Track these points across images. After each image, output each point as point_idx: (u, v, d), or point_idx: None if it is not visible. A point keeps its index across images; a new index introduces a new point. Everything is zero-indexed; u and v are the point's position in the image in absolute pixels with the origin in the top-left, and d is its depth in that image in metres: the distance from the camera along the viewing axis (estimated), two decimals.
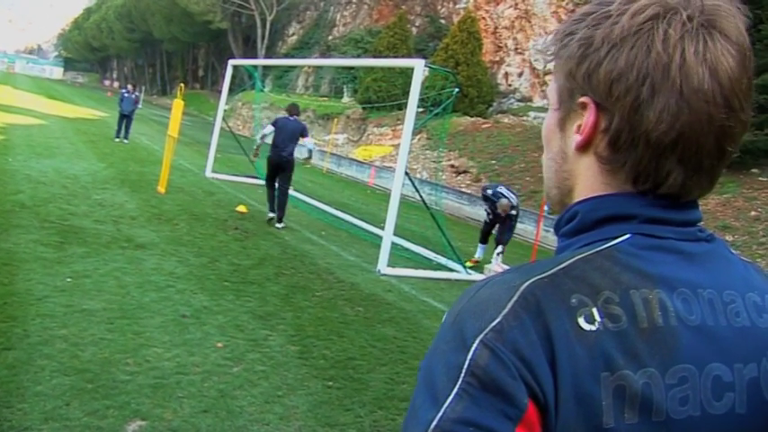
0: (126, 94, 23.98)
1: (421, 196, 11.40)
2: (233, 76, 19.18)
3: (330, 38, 48.00)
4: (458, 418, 0.73)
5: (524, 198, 19.52)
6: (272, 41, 54.49)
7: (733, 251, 0.96)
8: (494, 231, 12.41)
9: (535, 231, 15.25)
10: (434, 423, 0.74)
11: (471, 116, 27.96)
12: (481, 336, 0.76)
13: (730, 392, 0.85)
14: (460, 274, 10.78)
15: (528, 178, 20.85)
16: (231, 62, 19.00)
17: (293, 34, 54.75)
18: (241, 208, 13.22)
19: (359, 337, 6.69)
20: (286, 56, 48.31)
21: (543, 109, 30.01)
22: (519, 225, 17.52)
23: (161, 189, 13.51)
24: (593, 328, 0.78)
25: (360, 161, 27.70)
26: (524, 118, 29.40)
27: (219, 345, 5.78)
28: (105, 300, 6.43)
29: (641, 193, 0.88)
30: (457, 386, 0.75)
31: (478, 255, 12.45)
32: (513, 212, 11.88)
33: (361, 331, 6.89)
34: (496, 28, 34.56)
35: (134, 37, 79.34)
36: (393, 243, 10.44)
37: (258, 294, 7.55)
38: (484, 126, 26.77)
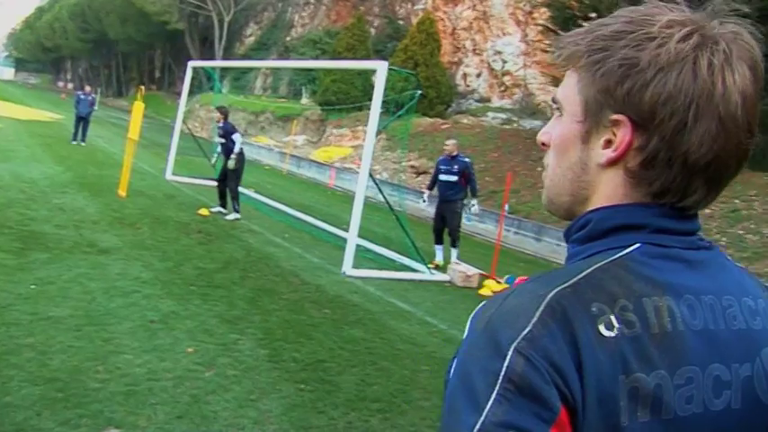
0: (82, 97, 23.67)
1: (385, 198, 11.45)
2: (192, 78, 19.02)
3: (288, 39, 47.80)
4: (499, 422, 0.78)
5: (484, 198, 19.62)
6: (229, 42, 54.07)
7: (728, 258, 1.03)
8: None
9: (496, 231, 15.37)
10: (478, 426, 0.78)
11: (431, 117, 28.04)
12: (515, 344, 0.82)
13: (728, 390, 0.92)
14: (424, 274, 10.83)
15: (487, 178, 20.97)
16: (191, 64, 18.87)
17: (251, 35, 54.41)
18: (203, 211, 13.15)
19: (327, 339, 6.72)
20: (244, 57, 47.98)
21: (502, 109, 30.29)
22: (480, 225, 17.72)
23: (121, 193, 13.37)
24: (613, 334, 0.84)
25: (320, 162, 27.64)
26: (483, 118, 29.59)
27: (190, 350, 5.76)
28: (71, 306, 6.37)
29: (653, 204, 0.94)
30: (495, 392, 0.80)
31: (438, 258, 12.21)
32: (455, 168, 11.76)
33: (330, 333, 6.92)
34: (455, 29, 34.72)
35: (88, 37, 77.97)
36: (357, 245, 10.47)
37: (225, 298, 7.53)
38: (443, 127, 26.88)
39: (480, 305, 0.91)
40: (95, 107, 24.81)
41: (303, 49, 41.11)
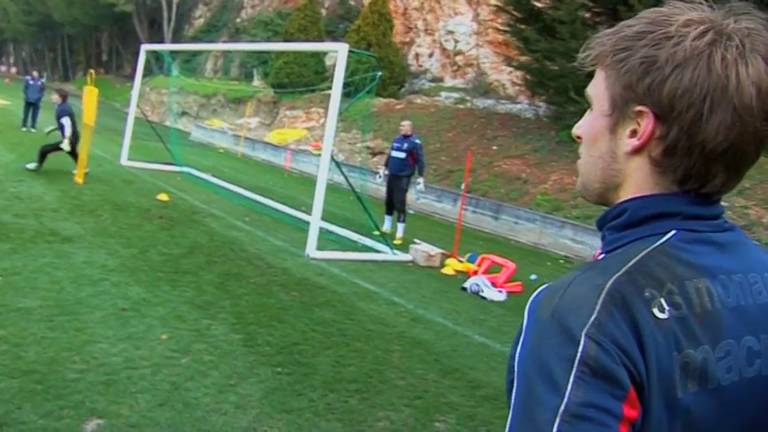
0: (31, 82, 23.18)
1: (347, 180, 11.48)
2: (145, 61, 18.77)
3: (238, 20, 47.20)
4: (581, 402, 0.86)
5: (441, 178, 19.77)
6: (178, 24, 53.24)
7: (748, 237, 1.14)
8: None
9: (454, 210, 15.51)
10: (563, 408, 0.86)
11: (384, 98, 28.03)
12: (585, 330, 0.90)
13: (758, 359, 1.03)
14: (387, 255, 10.91)
15: (443, 158, 21.09)
16: (144, 47, 18.60)
17: (200, 17, 53.61)
18: (162, 196, 13.02)
19: (299, 321, 6.76)
20: (193, 39, 47.22)
21: (455, 89, 30.37)
22: (437, 204, 17.85)
23: (78, 179, 13.19)
24: (665, 316, 0.94)
25: (275, 145, 27.50)
26: (436, 98, 29.67)
27: (164, 337, 5.76)
28: (40, 297, 6.31)
29: (683, 192, 1.03)
30: (573, 375, 0.88)
31: (386, 226, 13.15)
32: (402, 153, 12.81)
33: (301, 316, 6.96)
34: (406, 9, 34.67)
35: (32, 20, 75.94)
36: (319, 227, 10.49)
37: (194, 284, 7.53)
38: (397, 107, 26.92)
39: (538, 295, 0.98)
40: (45, 92, 24.29)
41: (254, 30, 40.68)
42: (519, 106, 25.97)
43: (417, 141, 13.14)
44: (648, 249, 1.00)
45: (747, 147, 1.00)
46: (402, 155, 12.83)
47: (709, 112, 0.96)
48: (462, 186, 12.92)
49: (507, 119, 23.64)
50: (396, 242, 12.25)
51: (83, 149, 13.33)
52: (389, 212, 13.46)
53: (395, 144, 13.14)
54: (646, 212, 1.04)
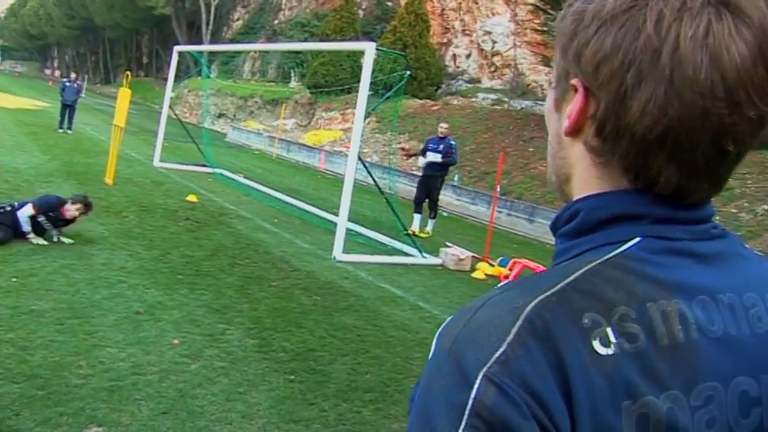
0: (68, 84, 23.37)
1: (375, 181, 11.28)
2: (178, 63, 18.80)
3: (276, 22, 47.44)
4: None
5: (476, 179, 19.55)
6: (217, 27, 53.68)
7: (746, 246, 0.86)
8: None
9: (488, 213, 15.26)
10: None
11: (420, 98, 27.88)
12: (485, 369, 0.66)
13: (758, 407, 0.77)
14: (416, 258, 10.70)
15: (479, 159, 20.85)
16: (176, 49, 18.61)
17: (238, 19, 54.01)
18: (191, 197, 12.96)
19: (318, 327, 6.58)
20: (232, 41, 47.53)
21: (492, 90, 30.15)
22: (471, 206, 17.62)
23: (108, 180, 13.19)
24: (610, 351, 0.69)
25: (309, 146, 27.45)
26: (473, 99, 29.45)
27: (176, 341, 5.61)
28: (54, 299, 6.21)
29: (644, 190, 0.77)
30: (460, 430, 0.65)
31: (415, 225, 13.36)
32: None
33: (320, 321, 6.78)
34: (443, 9, 34.50)
35: (74, 24, 77.35)
36: (347, 229, 10.32)
37: (213, 287, 7.38)
38: (433, 108, 26.72)
39: (447, 320, 0.75)
40: (82, 94, 24.54)
41: (291, 32, 40.81)
42: None
43: (452, 142, 13.53)
44: (597, 261, 0.75)
45: (696, 135, 0.72)
46: (438, 157, 13.13)
47: (635, 84, 0.72)
48: (498, 189, 12.69)
49: (545, 120, 23.30)
50: (422, 235, 12.77)
51: (113, 150, 13.31)
52: (418, 211, 13.59)
53: (430, 145, 13.37)
54: (603, 214, 0.79)
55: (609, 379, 0.68)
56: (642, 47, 0.71)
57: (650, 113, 0.72)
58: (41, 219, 7.97)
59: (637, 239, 0.77)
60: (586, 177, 0.81)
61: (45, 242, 7.82)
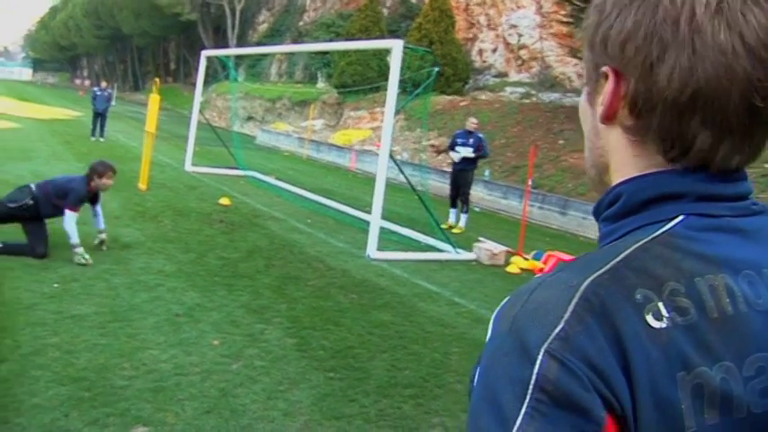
0: (99, 92, 23.66)
1: (407, 178, 11.29)
2: (206, 68, 18.94)
3: (301, 24, 47.59)
4: None
5: (507, 174, 19.48)
6: (242, 31, 53.98)
7: None
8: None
9: (520, 207, 15.21)
10: None
11: (448, 95, 27.81)
12: (546, 345, 0.70)
13: None
14: (450, 254, 10.69)
15: (509, 154, 20.77)
16: (205, 53, 18.74)
17: (263, 22, 54.24)
18: (224, 200, 13.07)
19: (356, 324, 6.61)
20: (258, 44, 47.77)
21: (520, 83, 29.99)
22: (503, 200, 17.56)
23: (142, 186, 13.35)
24: (663, 325, 0.72)
25: (339, 146, 27.52)
26: (501, 94, 29.32)
27: (216, 342, 5.68)
28: (95, 303, 6.31)
29: (687, 168, 0.81)
30: (525, 404, 0.68)
31: (451, 219, 13.59)
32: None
33: (358, 319, 6.81)
34: (468, 4, 34.38)
35: (103, 33, 78.26)
36: (381, 227, 10.34)
37: (250, 288, 7.45)
38: (462, 104, 26.63)
39: (503, 302, 0.78)
40: (113, 102, 24.82)
41: (317, 33, 40.87)
42: None
43: (481, 135, 13.49)
44: (645, 240, 0.78)
45: (723, 94, 0.76)
46: (470, 151, 13.13)
47: (660, 53, 0.77)
48: (530, 182, 12.64)
49: (574, 112, 23.08)
50: (456, 231, 12.79)
51: (145, 156, 13.46)
52: (453, 205, 13.68)
53: (459, 140, 13.31)
54: (645, 195, 0.82)
55: (664, 351, 0.71)
56: (662, 19, 0.77)
57: (678, 78, 0.76)
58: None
59: (681, 218, 0.80)
60: (624, 159, 0.85)
61: (87, 258, 7.63)
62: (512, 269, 10.23)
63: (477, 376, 0.75)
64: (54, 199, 7.77)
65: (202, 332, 5.89)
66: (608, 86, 0.82)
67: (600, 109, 0.85)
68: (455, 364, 5.85)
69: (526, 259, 10.69)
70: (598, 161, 0.90)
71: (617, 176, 0.86)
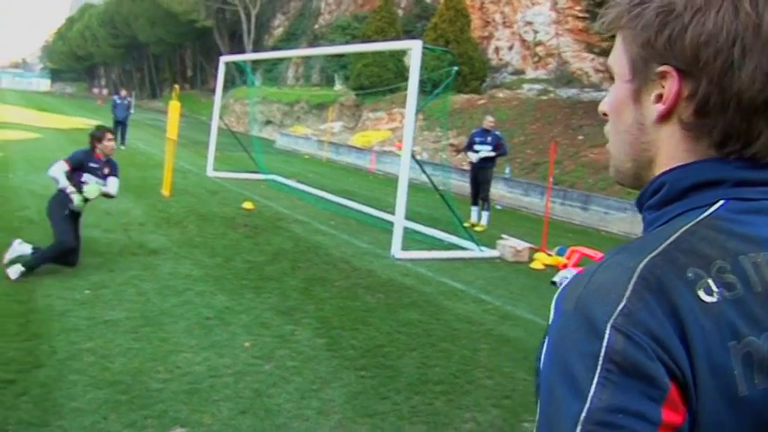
0: (118, 101, 23.88)
1: (429, 178, 11.32)
2: (224, 73, 19.06)
3: (316, 27, 47.71)
4: (606, 407, 0.73)
5: (527, 171, 19.46)
6: (258, 35, 54.17)
7: None
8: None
9: (542, 203, 15.20)
10: (584, 414, 0.74)
11: (466, 94, 27.81)
12: (611, 321, 0.76)
13: None
14: (474, 252, 10.72)
15: (529, 151, 20.75)
16: (223, 59, 18.87)
17: (279, 26, 54.42)
18: (247, 204, 13.16)
19: (384, 324, 6.66)
20: (274, 48, 47.91)
21: (537, 80, 29.92)
22: (524, 198, 17.55)
23: (165, 192, 13.47)
24: (714, 299, 0.79)
25: (359, 148, 27.59)
26: (519, 91, 29.28)
27: (247, 344, 5.74)
28: (126, 309, 6.41)
29: (726, 156, 0.87)
30: (597, 374, 0.75)
31: (473, 217, 13.71)
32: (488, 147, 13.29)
33: (386, 318, 6.86)
34: (483, 3, 34.34)
35: (119, 42, 78.85)
36: (404, 227, 10.38)
37: (278, 290, 7.51)
38: (479, 102, 26.64)
39: (564, 285, 0.85)
40: (132, 110, 24.99)
41: (332, 35, 40.96)
42: (604, 93, 24.85)
43: (498, 133, 13.64)
44: (691, 224, 0.85)
45: None
46: (489, 149, 13.26)
47: (741, 57, 0.82)
48: (551, 179, 12.63)
49: (592, 107, 23.03)
50: (478, 229, 12.89)
51: (168, 163, 13.58)
52: (476, 203, 13.81)
53: (476, 139, 13.41)
54: (687, 183, 0.89)
55: (716, 323, 0.78)
56: (744, 24, 0.82)
57: (758, 80, 0.82)
58: (84, 177, 7.63)
59: (721, 202, 0.86)
60: (674, 154, 0.90)
61: (87, 197, 7.53)
62: (535, 265, 10.25)
63: (544, 354, 0.81)
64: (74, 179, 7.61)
65: (233, 334, 5.96)
66: (671, 86, 0.87)
67: (656, 107, 0.89)
68: (484, 360, 5.89)
69: (549, 255, 10.69)
70: (641, 155, 0.94)
71: (660, 169, 0.92)
